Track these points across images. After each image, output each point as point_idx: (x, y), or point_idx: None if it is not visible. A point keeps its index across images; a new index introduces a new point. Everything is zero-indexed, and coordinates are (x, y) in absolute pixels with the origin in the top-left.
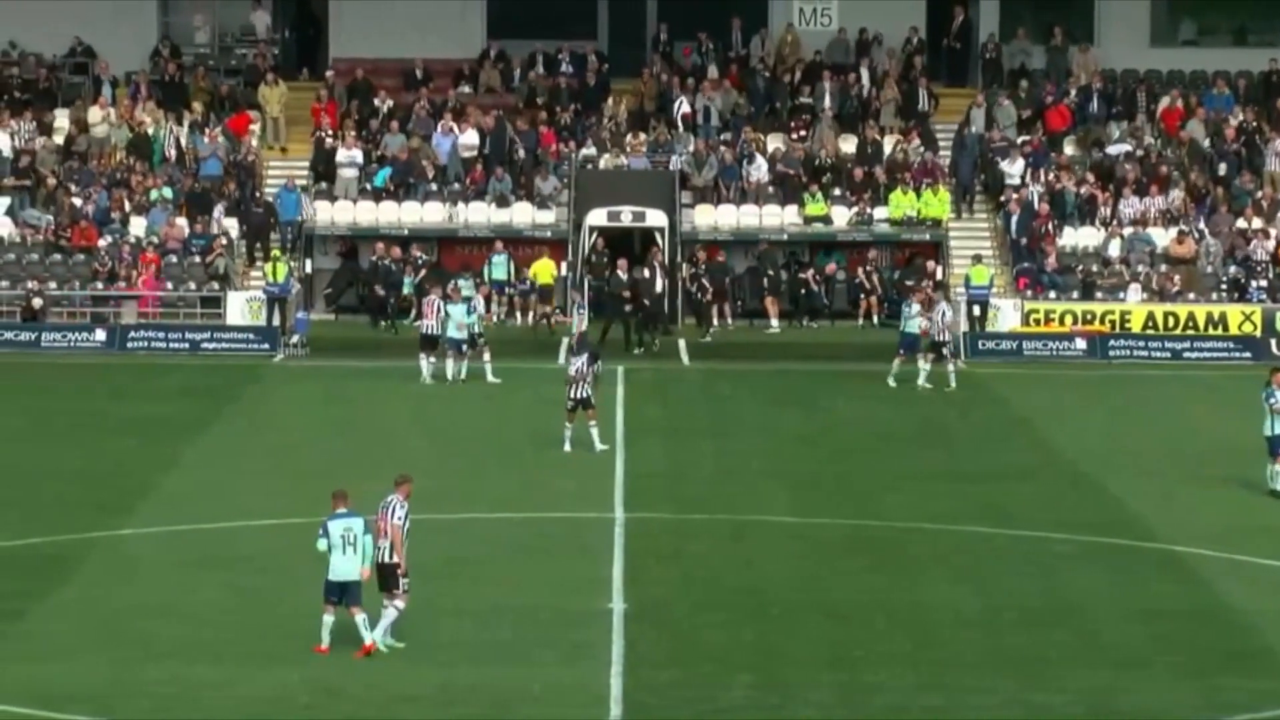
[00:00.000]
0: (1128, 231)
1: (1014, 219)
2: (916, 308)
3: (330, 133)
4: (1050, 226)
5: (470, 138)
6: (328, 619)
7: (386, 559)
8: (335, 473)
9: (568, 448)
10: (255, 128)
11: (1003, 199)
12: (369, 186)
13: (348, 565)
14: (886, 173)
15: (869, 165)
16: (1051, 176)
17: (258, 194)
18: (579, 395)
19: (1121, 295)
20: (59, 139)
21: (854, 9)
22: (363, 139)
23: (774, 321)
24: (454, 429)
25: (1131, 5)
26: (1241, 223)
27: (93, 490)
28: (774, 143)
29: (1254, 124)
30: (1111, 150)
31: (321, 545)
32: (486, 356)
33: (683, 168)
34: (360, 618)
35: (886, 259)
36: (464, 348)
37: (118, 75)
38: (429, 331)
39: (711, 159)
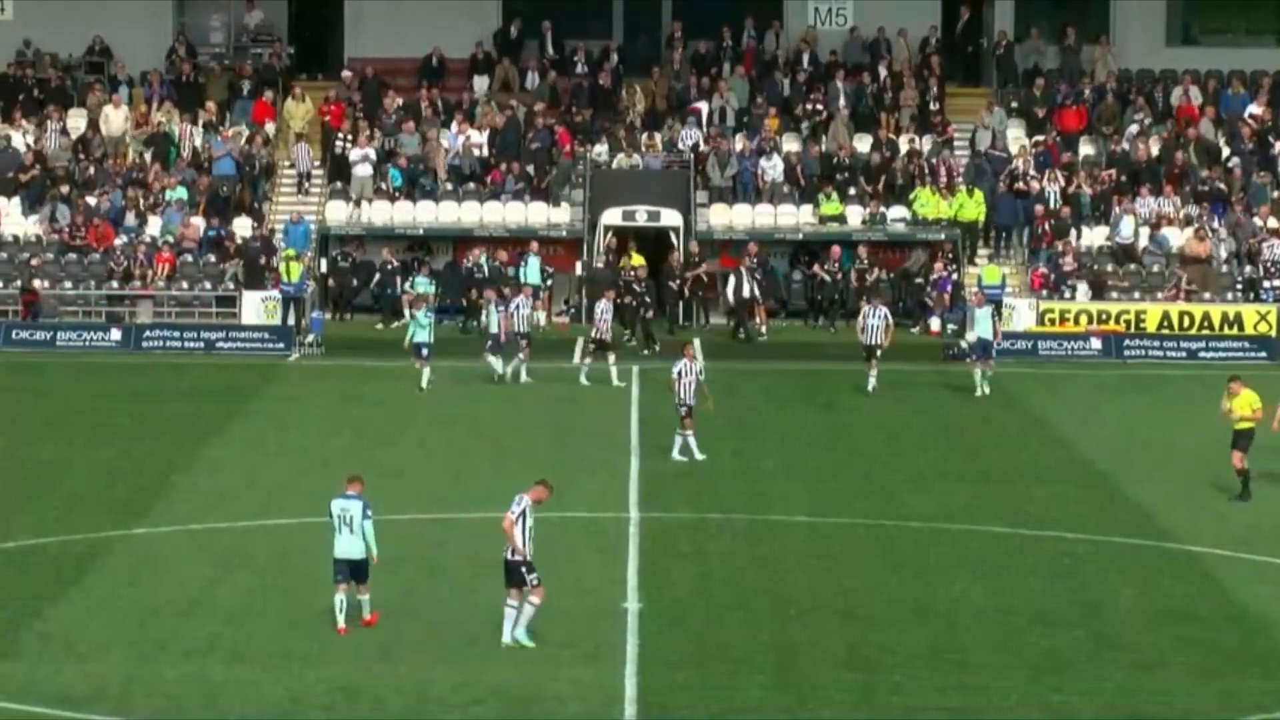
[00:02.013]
0: (1144, 231)
1: (999, 198)
2: (982, 310)
3: (341, 135)
4: (1048, 226)
5: (484, 136)
6: (339, 598)
7: (511, 556)
8: (352, 472)
9: (677, 455)
10: (270, 127)
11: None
12: (383, 186)
13: (347, 544)
14: (904, 172)
15: (885, 165)
16: (1062, 175)
17: (261, 222)
18: (688, 400)
19: (1136, 295)
20: (74, 138)
21: (870, 8)
22: (375, 139)
23: (762, 327)
24: (471, 428)
25: (1147, 4)
26: (1257, 221)
27: (110, 489)
28: (790, 143)
29: (1268, 123)
30: (1125, 144)
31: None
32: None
33: (700, 152)
34: (364, 597)
35: (922, 259)
36: (424, 352)
37: (133, 75)
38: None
39: (732, 159)
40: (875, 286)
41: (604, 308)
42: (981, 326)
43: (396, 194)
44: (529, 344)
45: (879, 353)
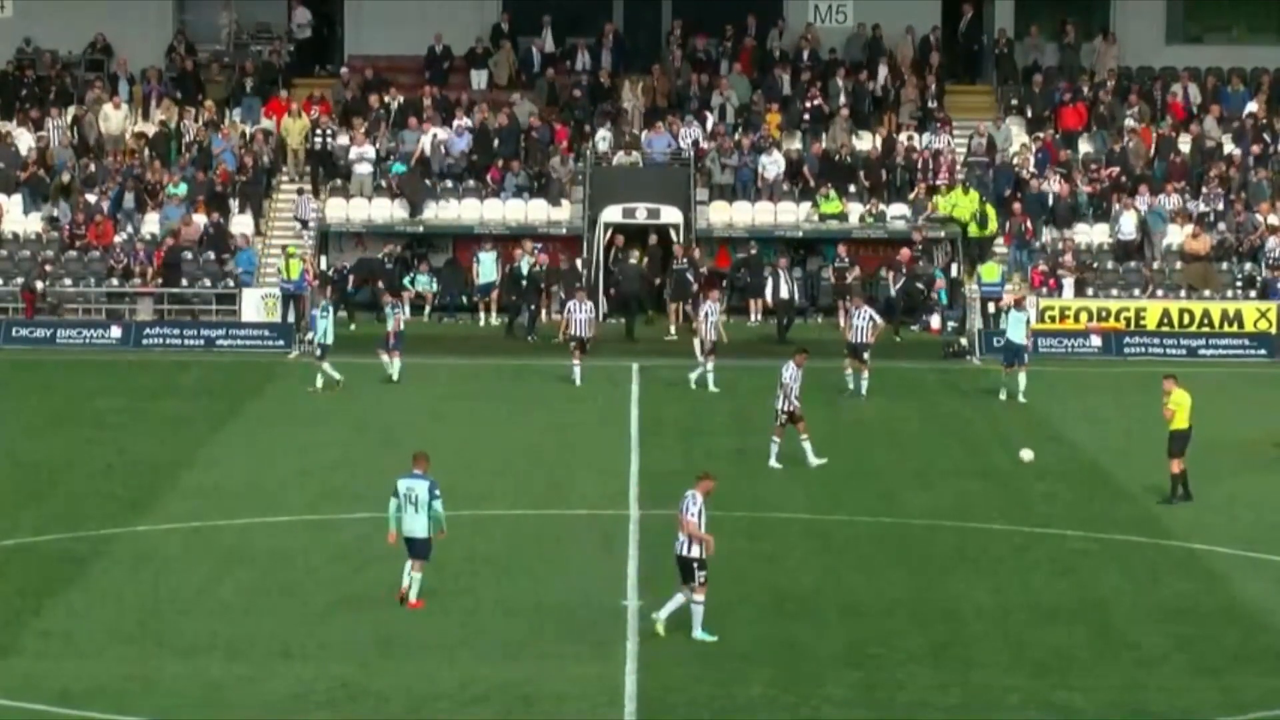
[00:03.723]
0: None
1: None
2: (1016, 314)
3: (322, 131)
4: (1028, 224)
5: (482, 133)
6: (416, 575)
7: (685, 552)
8: (353, 469)
9: (774, 463)
10: (269, 122)
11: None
12: (383, 184)
13: (411, 522)
14: (904, 169)
15: (886, 163)
16: (1059, 175)
17: (260, 219)
18: (789, 407)
19: (1136, 292)
20: (74, 136)
21: (871, 6)
22: (374, 136)
23: (672, 329)
24: (472, 426)
25: (1147, 3)
26: (1258, 218)
27: (110, 487)
28: (791, 141)
29: (1265, 119)
30: (1126, 141)
31: (391, 505)
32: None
33: (701, 148)
34: (416, 575)
35: (930, 269)
36: (319, 352)
37: (134, 72)
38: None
39: (735, 156)
40: (856, 285)
41: (710, 309)
42: (1014, 331)
43: (398, 189)
44: (583, 349)
45: (867, 353)
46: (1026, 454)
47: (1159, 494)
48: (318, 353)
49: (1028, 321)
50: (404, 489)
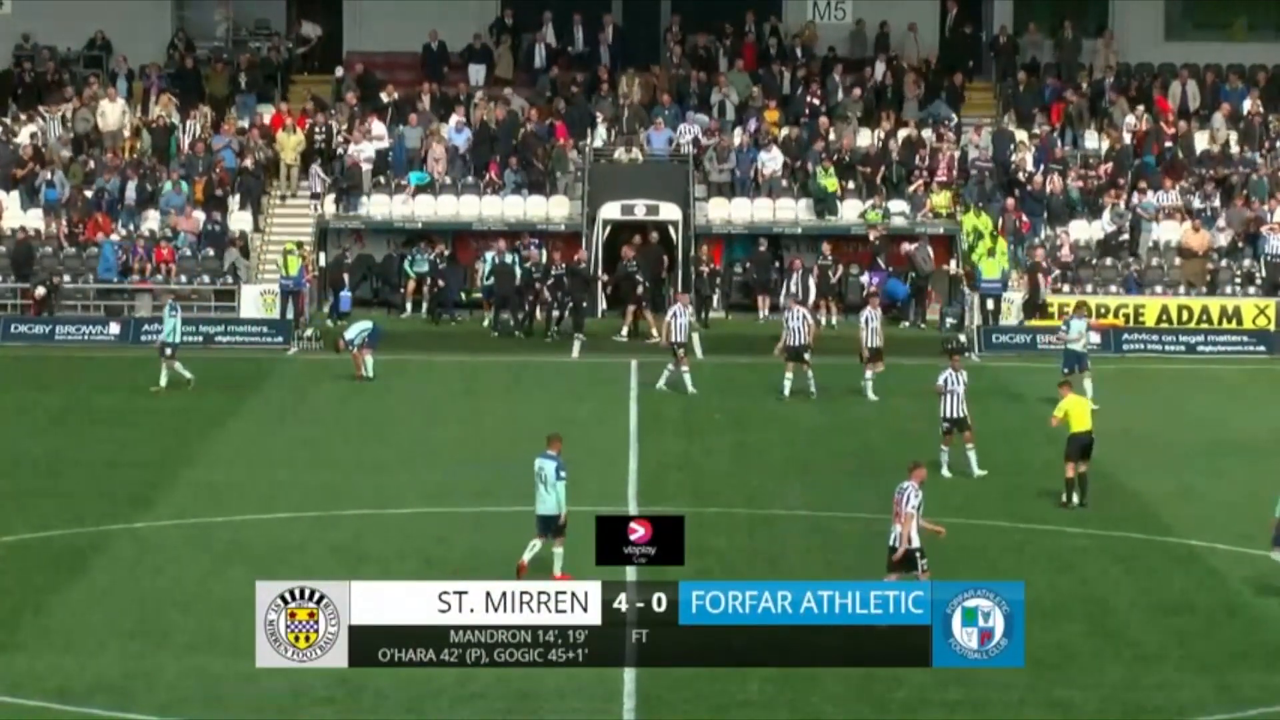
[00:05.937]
0: (1148, 225)
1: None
2: (1080, 322)
3: (320, 131)
4: (1020, 220)
5: (481, 129)
6: (534, 542)
7: (898, 544)
8: (352, 466)
9: (945, 472)
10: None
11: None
12: (381, 180)
13: (541, 500)
14: (903, 165)
15: (885, 159)
16: (1055, 172)
17: (258, 216)
18: (955, 414)
19: (1135, 289)
20: (73, 132)
21: (870, 4)
22: (372, 132)
23: (624, 330)
24: (472, 424)
25: (1146, 1)
26: (1279, 216)
27: (110, 483)
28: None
29: (1261, 116)
30: (1126, 138)
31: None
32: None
33: (698, 143)
34: (557, 550)
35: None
36: (169, 350)
37: (133, 69)
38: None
39: (733, 155)
40: (804, 286)
41: (871, 315)
42: (1077, 335)
43: (416, 190)
44: (685, 352)
45: (807, 354)
46: None
47: (1158, 491)
48: (167, 351)
49: (1087, 328)
50: (536, 468)
